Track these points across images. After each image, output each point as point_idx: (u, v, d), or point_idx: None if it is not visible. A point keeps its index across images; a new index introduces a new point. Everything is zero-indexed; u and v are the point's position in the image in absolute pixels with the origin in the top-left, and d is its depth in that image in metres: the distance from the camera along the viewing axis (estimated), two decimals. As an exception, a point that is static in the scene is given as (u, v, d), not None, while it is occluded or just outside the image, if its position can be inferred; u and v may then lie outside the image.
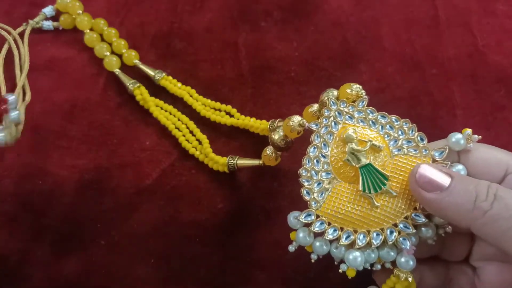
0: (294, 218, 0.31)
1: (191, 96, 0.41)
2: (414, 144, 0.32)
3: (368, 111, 0.34)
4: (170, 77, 0.42)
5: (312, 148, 0.32)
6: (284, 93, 0.42)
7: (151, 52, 0.44)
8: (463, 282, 0.32)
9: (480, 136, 0.31)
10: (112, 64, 0.42)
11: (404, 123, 0.33)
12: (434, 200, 0.27)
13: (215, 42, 0.43)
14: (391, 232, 0.30)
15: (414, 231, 0.30)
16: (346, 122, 0.33)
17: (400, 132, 0.33)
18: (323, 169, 0.32)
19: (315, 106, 0.34)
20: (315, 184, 0.32)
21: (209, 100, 0.41)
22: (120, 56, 0.43)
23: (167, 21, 0.44)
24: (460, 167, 0.31)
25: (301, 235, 0.31)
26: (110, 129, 0.41)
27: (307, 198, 0.31)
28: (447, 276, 0.32)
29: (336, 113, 0.33)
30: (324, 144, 0.32)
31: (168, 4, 0.45)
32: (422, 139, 0.32)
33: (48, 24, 0.43)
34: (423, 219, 0.30)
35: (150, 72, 0.42)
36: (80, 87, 0.42)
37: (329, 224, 0.31)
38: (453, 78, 0.43)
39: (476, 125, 0.41)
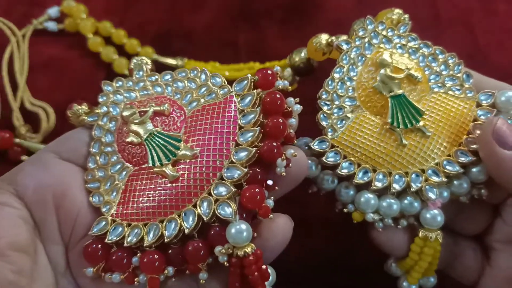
0: (304, 144, 0.26)
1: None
2: (459, 82, 0.27)
3: (409, 38, 0.28)
4: (193, 60, 0.39)
5: (338, 69, 0.27)
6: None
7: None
8: (470, 261, 0.28)
9: None
10: (122, 66, 0.39)
11: (449, 57, 0.28)
12: (510, 158, 0.24)
13: (215, 42, 0.41)
14: (417, 177, 0.25)
15: (444, 180, 0.25)
16: (382, 46, 0.28)
17: (443, 67, 0.28)
18: (347, 94, 0.27)
19: (322, 38, 0.29)
20: (335, 110, 0.27)
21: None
22: (129, 56, 0.40)
23: (167, 20, 0.42)
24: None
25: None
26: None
27: (323, 123, 0.26)
28: (455, 251, 0.28)
29: (372, 34, 0.28)
30: (352, 67, 0.27)
31: (167, 3, 0.43)
32: (468, 78, 0.27)
33: (52, 26, 0.41)
34: (458, 168, 0.25)
35: (172, 61, 0.39)
36: (79, 87, 0.40)
37: (344, 157, 0.26)
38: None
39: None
